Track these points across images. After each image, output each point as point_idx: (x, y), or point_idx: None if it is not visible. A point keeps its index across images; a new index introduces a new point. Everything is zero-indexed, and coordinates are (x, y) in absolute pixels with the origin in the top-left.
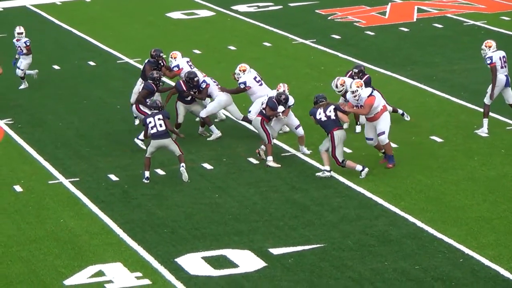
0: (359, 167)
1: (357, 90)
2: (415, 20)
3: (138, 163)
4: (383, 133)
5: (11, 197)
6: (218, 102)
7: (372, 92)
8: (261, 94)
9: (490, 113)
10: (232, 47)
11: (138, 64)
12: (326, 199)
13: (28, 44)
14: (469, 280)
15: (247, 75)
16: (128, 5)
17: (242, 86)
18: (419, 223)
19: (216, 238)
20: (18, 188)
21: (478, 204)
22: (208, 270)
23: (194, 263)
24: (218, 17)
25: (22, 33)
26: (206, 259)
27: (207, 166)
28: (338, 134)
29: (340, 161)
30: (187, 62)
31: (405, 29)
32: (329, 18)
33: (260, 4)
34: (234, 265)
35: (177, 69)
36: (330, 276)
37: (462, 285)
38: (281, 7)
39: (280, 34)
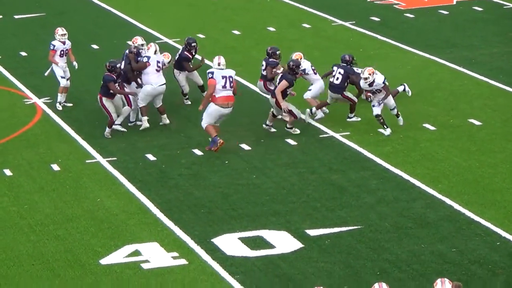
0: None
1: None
2: (454, 3)
3: (175, 142)
4: (202, 119)
5: (49, 175)
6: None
7: (212, 75)
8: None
9: None
10: (271, 29)
11: (177, 44)
12: (363, 181)
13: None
14: (506, 263)
15: (151, 52)
16: None
17: (145, 59)
18: (456, 206)
19: (253, 219)
20: (55, 167)
21: None
22: (244, 251)
23: (230, 243)
24: None
25: (65, 35)
26: (242, 239)
27: (245, 146)
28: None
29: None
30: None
31: (445, 12)
32: (368, 0)
33: None
34: (270, 246)
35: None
36: (366, 257)
37: (499, 268)
38: None
39: (320, 16)
